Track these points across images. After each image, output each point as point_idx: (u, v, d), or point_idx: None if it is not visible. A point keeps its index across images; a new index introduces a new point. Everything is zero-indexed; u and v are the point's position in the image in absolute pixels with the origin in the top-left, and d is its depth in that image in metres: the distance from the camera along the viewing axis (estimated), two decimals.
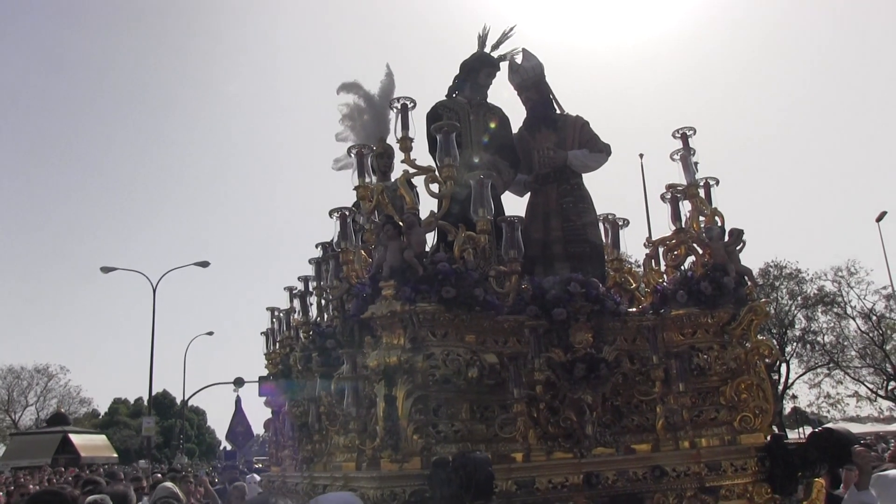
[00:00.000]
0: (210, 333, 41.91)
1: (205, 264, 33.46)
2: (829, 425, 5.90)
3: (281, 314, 7.71)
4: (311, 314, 6.76)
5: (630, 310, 5.24)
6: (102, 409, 61.15)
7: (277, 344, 7.84)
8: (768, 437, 4.97)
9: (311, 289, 6.69)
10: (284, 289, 7.77)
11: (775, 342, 31.38)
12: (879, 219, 28.60)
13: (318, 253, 6.53)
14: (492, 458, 4.43)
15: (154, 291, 32.09)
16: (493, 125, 6.35)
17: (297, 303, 7.11)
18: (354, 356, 5.00)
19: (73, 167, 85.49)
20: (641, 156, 21.75)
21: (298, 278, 7.00)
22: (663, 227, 5.74)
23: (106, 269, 32.27)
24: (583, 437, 4.65)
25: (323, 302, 6.54)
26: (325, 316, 6.44)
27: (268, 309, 8.15)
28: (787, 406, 38.68)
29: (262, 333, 8.27)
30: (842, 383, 34.05)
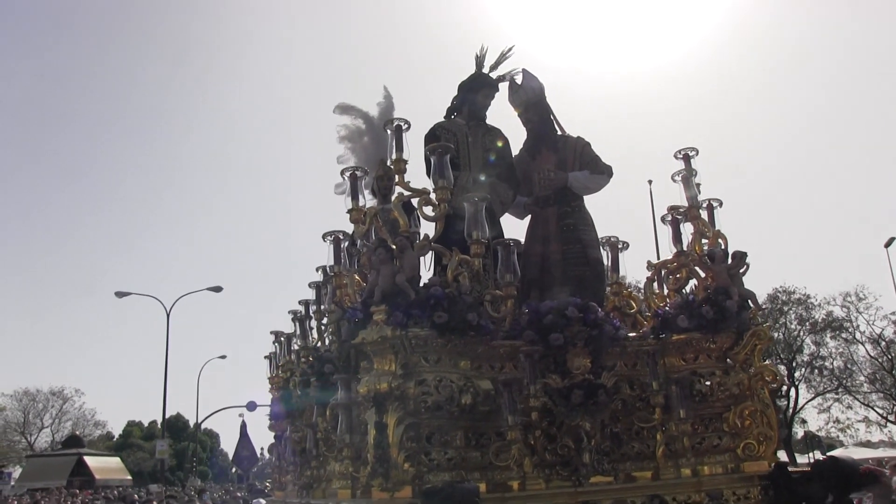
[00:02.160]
0: (223, 357, 42.03)
1: (218, 289, 33.53)
2: (834, 453, 5.77)
3: (283, 338, 7.66)
4: (310, 338, 6.70)
5: (630, 334, 5.14)
6: (116, 431, 61.41)
7: (279, 368, 7.80)
8: (772, 465, 4.85)
9: (310, 313, 6.62)
10: (289, 312, 7.75)
11: (784, 367, 31.43)
12: (888, 245, 28.69)
13: (318, 276, 6.47)
14: (487, 486, 4.38)
15: (168, 316, 32.17)
16: (493, 146, 6.29)
17: (297, 326, 7.06)
18: (349, 382, 4.93)
19: (88, 191, 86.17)
20: (650, 182, 21.68)
21: (299, 302, 6.96)
22: (668, 242, 5.63)
23: (120, 294, 32.34)
24: (580, 464, 4.54)
25: (322, 326, 6.48)
26: (325, 340, 6.37)
27: (272, 333, 8.12)
28: (799, 431, 38.59)
29: (265, 357, 8.24)
30: (851, 408, 34.00)
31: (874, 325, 32.64)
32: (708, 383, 4.95)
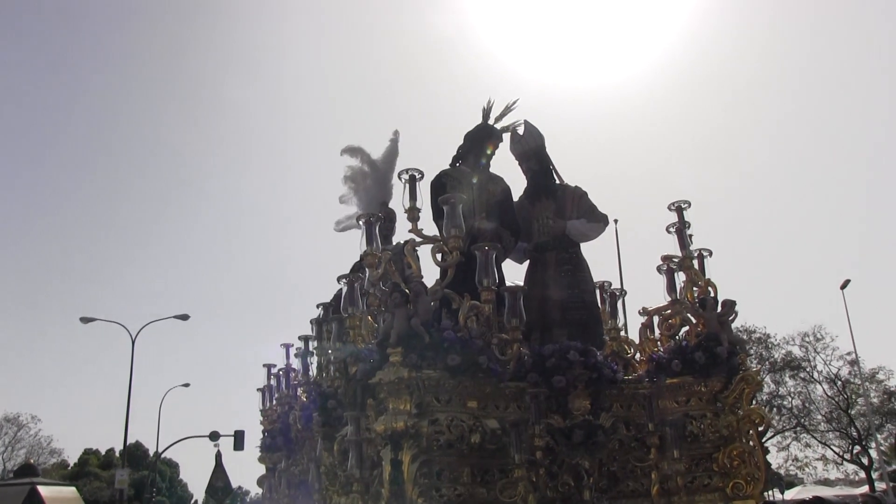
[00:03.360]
0: (186, 385, 41.34)
1: (185, 317, 33.32)
2: (819, 494, 6.03)
3: (280, 372, 7.82)
4: (311, 373, 6.86)
5: (626, 377, 5.40)
6: (72, 459, 59.64)
7: (274, 401, 7.94)
8: None
9: (311, 348, 6.80)
10: (281, 345, 7.92)
11: None
12: (843, 286, 29.40)
13: (318, 312, 6.66)
14: None
15: (133, 343, 31.87)
16: (496, 194, 6.55)
17: (295, 362, 7.24)
18: (358, 418, 5.13)
19: (53, 214, 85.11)
20: (616, 221, 22.03)
21: (299, 337, 7.13)
22: (637, 291, 5.92)
23: (85, 320, 31.95)
24: (580, 501, 4.78)
25: (323, 361, 6.64)
26: (326, 375, 6.54)
27: (264, 366, 8.27)
28: None
29: (258, 390, 8.37)
30: (809, 446, 34.78)
31: (831, 364, 33.58)
32: (700, 425, 5.23)
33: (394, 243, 7.28)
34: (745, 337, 33.17)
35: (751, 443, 5.32)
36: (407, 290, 4.77)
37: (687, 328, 5.65)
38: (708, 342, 5.31)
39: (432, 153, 6.86)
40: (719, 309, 5.57)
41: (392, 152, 7.62)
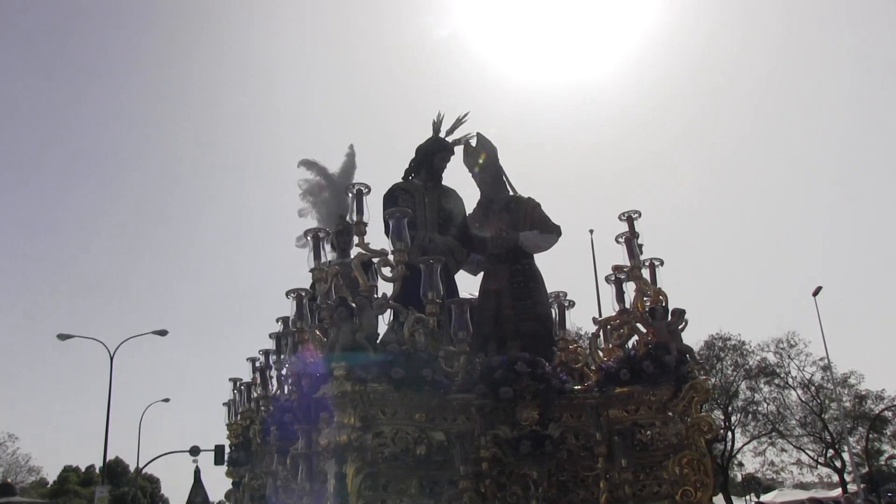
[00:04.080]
0: (166, 400, 40.92)
1: (163, 333, 33.18)
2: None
3: (242, 386, 7.83)
4: (271, 387, 6.89)
5: (576, 387, 5.44)
6: (51, 477, 58.87)
7: (238, 415, 7.95)
8: None
9: (271, 362, 6.83)
10: (247, 359, 7.93)
11: (720, 412, 32.50)
12: (815, 293, 29.87)
13: (278, 327, 6.69)
14: None
15: (111, 359, 31.70)
16: (449, 206, 6.61)
17: (258, 375, 7.25)
18: (310, 432, 5.16)
19: (31, 228, 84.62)
20: (591, 231, 22.21)
21: (259, 351, 7.15)
22: (612, 300, 5.97)
23: (63, 337, 31.78)
24: None
25: (283, 375, 6.68)
26: (285, 389, 6.57)
27: (230, 380, 8.27)
28: (738, 474, 39.75)
29: (223, 404, 8.38)
30: (785, 451, 35.25)
31: (804, 370, 34.23)
32: (649, 433, 5.28)
33: (352, 256, 7.32)
34: (720, 344, 33.79)
35: (701, 450, 5.38)
36: (353, 304, 4.81)
37: (636, 338, 5.70)
38: (657, 351, 5.36)
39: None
40: (669, 318, 5.63)
41: (349, 166, 7.70)
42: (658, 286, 5.83)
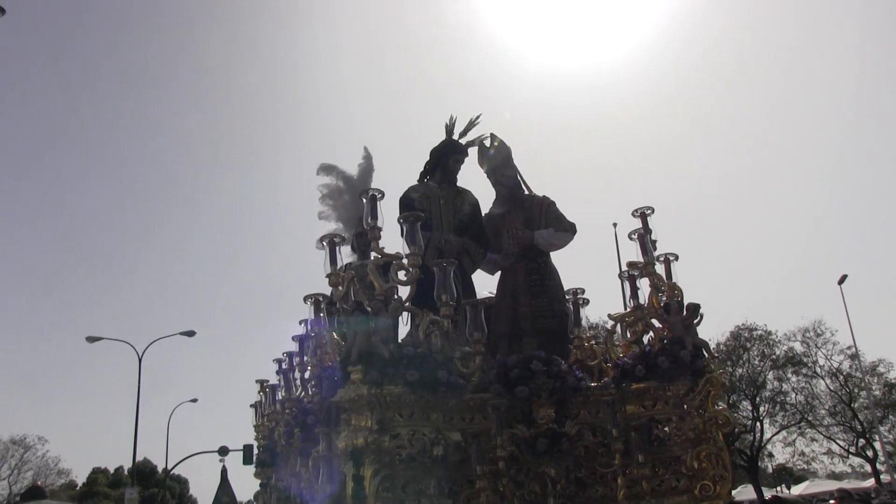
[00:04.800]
0: (194, 401, 41.18)
1: (191, 333, 33.42)
2: (779, 493, 6.11)
3: (268, 388, 7.95)
4: (295, 390, 6.99)
5: (592, 384, 5.49)
6: (80, 479, 59.25)
7: (265, 417, 8.08)
8: None
9: (294, 364, 6.93)
10: (273, 360, 8.05)
11: (748, 403, 32.33)
12: (841, 282, 29.60)
13: (301, 329, 6.79)
14: None
15: (140, 361, 32.03)
16: (464, 207, 6.69)
17: (281, 378, 7.36)
18: (330, 434, 5.25)
19: (61, 231, 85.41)
20: (615, 225, 22.09)
21: (283, 354, 7.27)
22: (627, 297, 6.00)
23: (92, 339, 32.09)
24: None
25: (305, 378, 6.77)
26: (309, 391, 6.67)
27: (257, 381, 8.40)
28: (769, 465, 39.55)
29: (251, 406, 8.51)
30: (815, 441, 34.98)
31: (832, 359, 33.93)
32: (666, 429, 5.32)
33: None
34: (746, 335, 33.59)
35: (718, 444, 5.40)
36: (368, 308, 4.88)
37: (652, 333, 5.73)
38: (672, 346, 5.39)
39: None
40: (684, 313, 5.66)
41: (366, 169, 7.78)
42: (673, 281, 5.85)
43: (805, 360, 33.76)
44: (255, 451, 8.47)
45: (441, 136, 7.05)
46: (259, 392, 8.28)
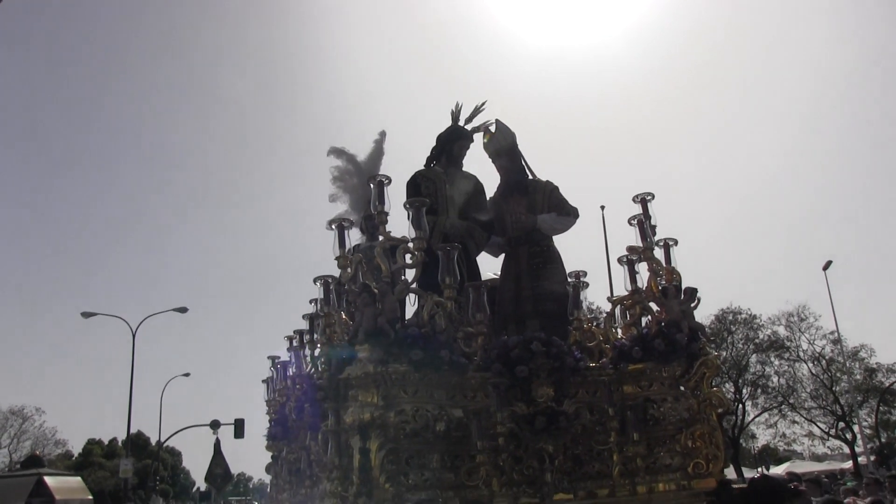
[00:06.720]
0: (187, 375, 41.79)
1: (183, 310, 33.82)
2: (766, 472, 6.31)
3: (279, 364, 8.18)
4: (304, 366, 7.21)
5: (591, 365, 5.69)
6: (76, 450, 60.07)
7: (276, 392, 8.31)
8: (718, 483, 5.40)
9: (304, 342, 7.15)
10: (285, 337, 8.28)
11: (732, 386, 32.58)
12: (826, 268, 29.81)
13: (311, 308, 7.00)
14: (460, 503, 4.93)
15: (133, 336, 32.45)
16: (469, 192, 6.88)
17: (292, 355, 7.59)
18: (338, 410, 5.47)
19: (57, 210, 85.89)
20: (603, 208, 22.19)
21: (294, 331, 7.49)
22: (625, 281, 6.16)
23: (87, 314, 32.55)
24: (544, 483, 5.08)
25: (315, 356, 6.99)
26: (318, 367, 6.88)
27: (269, 357, 8.63)
28: (753, 446, 39.88)
29: (262, 381, 8.75)
30: (796, 423, 35.27)
31: (815, 343, 34.25)
32: (661, 409, 5.52)
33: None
34: (731, 318, 33.88)
35: (712, 424, 5.59)
36: (375, 290, 5.09)
37: (649, 317, 5.91)
38: (668, 329, 5.58)
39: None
40: (681, 297, 5.84)
41: (377, 152, 7.97)
42: (672, 265, 6.02)
43: (788, 344, 34.06)
44: (269, 425, 8.70)
45: (447, 122, 7.23)
46: (270, 368, 8.52)
